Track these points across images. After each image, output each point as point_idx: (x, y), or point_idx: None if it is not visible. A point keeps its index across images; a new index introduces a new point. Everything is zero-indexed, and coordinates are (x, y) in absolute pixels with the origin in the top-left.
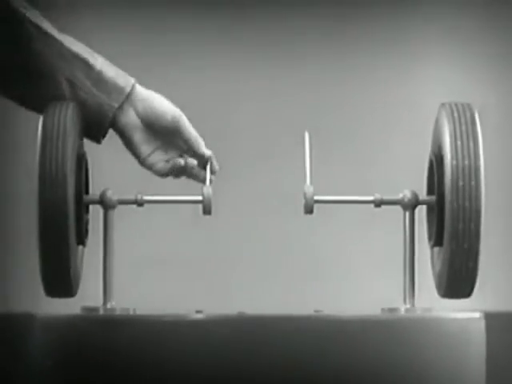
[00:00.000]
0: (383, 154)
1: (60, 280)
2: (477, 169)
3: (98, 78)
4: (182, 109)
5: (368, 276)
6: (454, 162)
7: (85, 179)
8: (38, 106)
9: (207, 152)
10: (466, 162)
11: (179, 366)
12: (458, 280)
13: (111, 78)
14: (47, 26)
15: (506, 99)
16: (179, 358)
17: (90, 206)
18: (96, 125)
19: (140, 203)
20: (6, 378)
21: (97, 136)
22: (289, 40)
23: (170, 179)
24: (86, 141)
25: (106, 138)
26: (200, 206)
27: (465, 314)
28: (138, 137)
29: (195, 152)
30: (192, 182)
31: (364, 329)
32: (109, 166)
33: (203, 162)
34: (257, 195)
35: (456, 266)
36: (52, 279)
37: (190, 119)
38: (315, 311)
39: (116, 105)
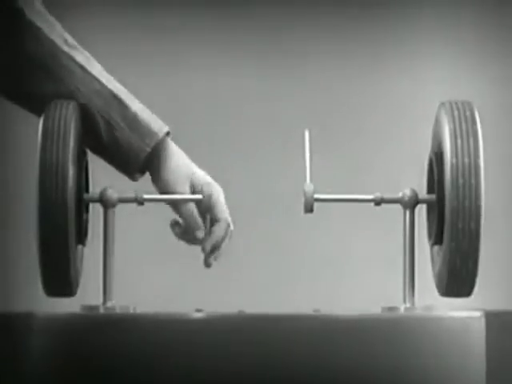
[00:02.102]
0: (383, 152)
1: (60, 280)
2: (477, 167)
3: (133, 120)
4: (182, 110)
5: (368, 275)
6: (454, 161)
7: (85, 178)
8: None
9: (199, 235)
10: (466, 161)
11: (179, 364)
12: (457, 279)
13: (146, 123)
14: (86, 61)
15: (506, 98)
16: (179, 357)
17: (90, 206)
18: (129, 164)
19: (140, 202)
20: (6, 378)
21: (131, 174)
22: (289, 40)
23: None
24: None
25: None
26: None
27: (465, 313)
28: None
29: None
30: None
31: (364, 328)
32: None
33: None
34: (257, 195)
35: (456, 264)
36: (52, 279)
37: (189, 120)
38: (314, 310)
39: (148, 149)
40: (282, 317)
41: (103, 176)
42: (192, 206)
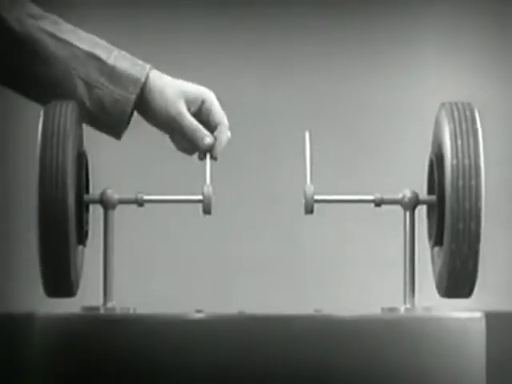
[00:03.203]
0: (383, 153)
1: (60, 280)
2: (477, 168)
3: (113, 73)
4: None
5: (368, 276)
6: (455, 162)
7: (85, 179)
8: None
9: (209, 141)
10: (467, 162)
11: (179, 365)
12: (458, 280)
13: (126, 71)
14: (60, 28)
15: (506, 99)
16: (179, 358)
17: (91, 206)
18: (116, 121)
19: (140, 203)
20: (6, 378)
21: (118, 132)
22: (289, 39)
23: (170, 178)
24: (85, 140)
25: (105, 138)
26: (200, 206)
27: (465, 313)
28: (158, 124)
29: (198, 146)
30: (192, 182)
31: (364, 328)
32: (109, 165)
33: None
34: (257, 195)
35: (456, 265)
36: (52, 279)
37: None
38: (315, 311)
39: (133, 97)
40: (283, 317)
41: (103, 176)
42: (192, 119)
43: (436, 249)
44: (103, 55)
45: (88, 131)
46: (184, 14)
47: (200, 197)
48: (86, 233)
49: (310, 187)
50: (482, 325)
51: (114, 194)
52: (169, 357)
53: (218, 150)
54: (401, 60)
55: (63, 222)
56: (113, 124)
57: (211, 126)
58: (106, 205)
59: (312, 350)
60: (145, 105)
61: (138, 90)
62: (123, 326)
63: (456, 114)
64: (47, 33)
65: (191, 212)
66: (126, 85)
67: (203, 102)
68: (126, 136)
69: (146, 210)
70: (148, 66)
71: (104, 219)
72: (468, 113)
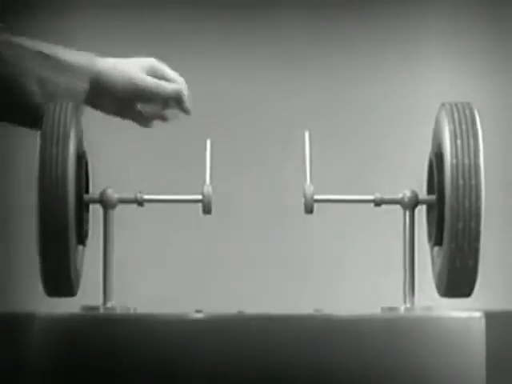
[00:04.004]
0: (383, 153)
1: (60, 280)
2: (477, 168)
3: (60, 64)
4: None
5: (368, 275)
6: (454, 161)
7: (85, 178)
8: (11, 118)
9: (171, 88)
10: (466, 161)
11: (179, 365)
12: (457, 279)
13: (71, 60)
14: (7, 36)
15: (506, 99)
16: (179, 358)
17: (91, 206)
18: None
19: (140, 202)
20: (6, 378)
21: None
22: (289, 39)
23: (170, 178)
24: (85, 140)
25: (106, 138)
26: (200, 206)
27: (465, 313)
28: (110, 110)
29: (163, 100)
30: (192, 182)
31: (364, 328)
32: (109, 165)
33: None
34: (257, 195)
35: (456, 265)
36: (52, 279)
37: (189, 120)
38: (315, 310)
39: (84, 85)
40: (282, 317)
41: (103, 176)
42: (150, 77)
43: (436, 248)
44: (46, 50)
45: (88, 131)
46: (183, 14)
47: (200, 196)
48: (86, 233)
49: (309, 187)
50: (482, 324)
51: (113, 194)
52: (169, 356)
53: (185, 100)
54: (401, 60)
55: (63, 221)
56: None
57: None
58: (106, 204)
59: (312, 349)
60: (99, 87)
61: (87, 77)
62: (123, 326)
63: (456, 114)
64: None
65: (191, 212)
66: (75, 73)
67: (153, 68)
68: (126, 136)
69: (146, 210)
70: (92, 54)
71: (104, 219)
72: (468, 113)
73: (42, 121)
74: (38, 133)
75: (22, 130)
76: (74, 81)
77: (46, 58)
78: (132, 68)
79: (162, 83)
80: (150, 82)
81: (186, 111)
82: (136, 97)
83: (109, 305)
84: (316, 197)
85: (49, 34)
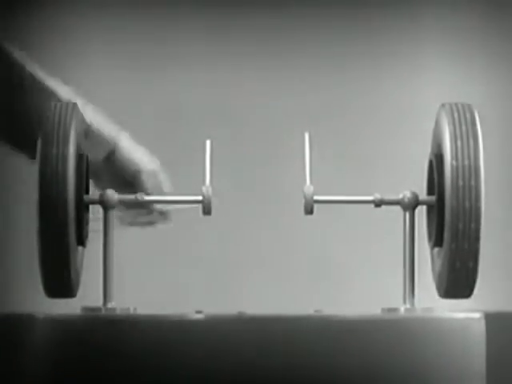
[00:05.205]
0: (383, 154)
1: (60, 280)
2: (477, 169)
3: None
4: (181, 110)
5: (368, 276)
6: (454, 162)
7: (85, 179)
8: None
9: (160, 208)
10: (466, 162)
11: (179, 365)
12: (458, 280)
13: (98, 131)
14: (40, 73)
15: (506, 99)
16: (179, 358)
17: (91, 207)
18: None
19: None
20: (6, 378)
21: None
22: (289, 40)
23: (169, 178)
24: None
25: None
26: (200, 206)
27: (465, 314)
28: (106, 185)
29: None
30: (192, 182)
31: (363, 329)
32: None
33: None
34: (257, 195)
35: (456, 266)
36: (52, 280)
37: (188, 120)
38: (315, 311)
39: (100, 158)
40: (283, 318)
41: None
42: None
43: (436, 249)
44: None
45: None
46: (183, 13)
47: (200, 197)
48: (86, 233)
49: (309, 188)
50: (482, 325)
51: (113, 194)
52: (168, 357)
53: (168, 218)
54: (401, 61)
55: (63, 223)
56: None
57: None
58: (106, 205)
59: (312, 350)
60: (109, 160)
61: (105, 153)
62: (123, 327)
63: (456, 115)
64: (32, 77)
65: (191, 212)
66: (97, 145)
67: (154, 175)
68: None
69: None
70: (118, 132)
71: (104, 219)
72: (468, 114)
73: None
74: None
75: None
76: (95, 151)
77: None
78: (140, 161)
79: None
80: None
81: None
82: (129, 190)
83: (109, 306)
84: (316, 197)
85: (47, 33)
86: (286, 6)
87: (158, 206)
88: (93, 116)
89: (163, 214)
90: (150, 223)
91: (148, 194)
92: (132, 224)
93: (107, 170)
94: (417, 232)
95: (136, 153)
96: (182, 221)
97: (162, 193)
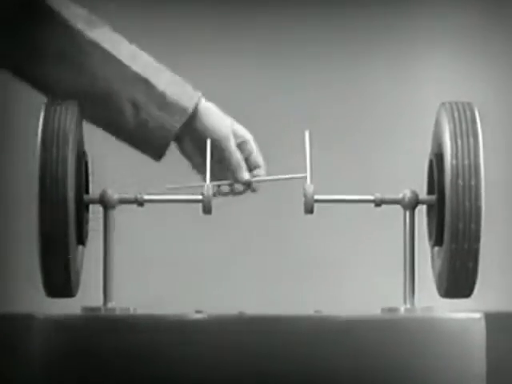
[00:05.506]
0: (384, 153)
1: (60, 280)
2: (477, 168)
3: (161, 100)
4: None
5: (368, 276)
6: (454, 162)
7: (85, 179)
8: (102, 125)
9: (245, 177)
10: (466, 162)
11: (179, 365)
12: (458, 280)
13: (174, 100)
14: (108, 41)
15: (506, 99)
16: (179, 358)
17: (91, 206)
18: (157, 144)
19: (140, 203)
20: (6, 378)
21: (157, 154)
22: (289, 39)
23: (170, 178)
24: (85, 140)
25: (105, 138)
26: (200, 206)
27: (465, 314)
28: (195, 159)
29: (234, 177)
30: (192, 182)
31: (364, 329)
32: (109, 165)
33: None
34: (257, 195)
35: (456, 265)
36: (52, 279)
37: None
38: (315, 311)
39: (178, 125)
40: (283, 318)
41: (103, 176)
42: (235, 145)
43: (436, 249)
44: (154, 79)
45: (88, 131)
46: (183, 12)
47: (200, 197)
48: (86, 233)
49: (309, 187)
50: (482, 325)
51: (113, 194)
52: (168, 357)
53: (255, 188)
54: (401, 60)
55: (63, 222)
56: (153, 147)
57: (247, 165)
58: (106, 205)
59: (312, 350)
60: (188, 131)
61: (184, 120)
62: (123, 327)
63: (456, 113)
64: (98, 47)
65: (191, 212)
66: (174, 113)
67: (246, 141)
68: None
69: (145, 209)
70: (198, 95)
71: (104, 219)
72: (468, 113)
73: (142, 149)
74: (38, 133)
75: (22, 130)
76: (169, 120)
77: (149, 86)
78: (227, 125)
79: (243, 164)
80: (234, 152)
81: (253, 191)
82: (217, 158)
83: (109, 306)
84: (316, 197)
85: None
86: (285, 7)
87: (245, 181)
88: (167, 84)
89: (249, 185)
90: (236, 193)
91: (233, 162)
92: (219, 194)
93: (189, 137)
94: (417, 231)
95: (220, 119)
96: (182, 221)
97: (257, 161)
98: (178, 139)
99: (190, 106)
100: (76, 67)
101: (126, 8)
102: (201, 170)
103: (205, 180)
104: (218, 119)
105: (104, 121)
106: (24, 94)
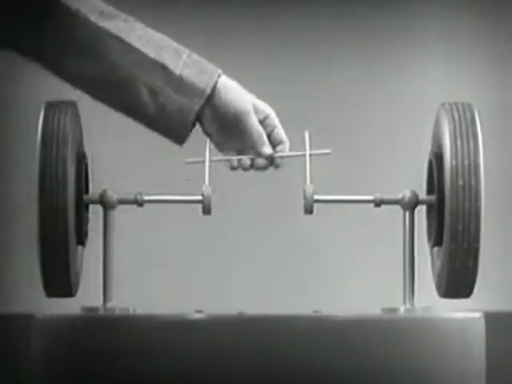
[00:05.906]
0: (384, 153)
1: (60, 280)
2: (476, 168)
3: (178, 84)
4: None
5: (368, 276)
6: (454, 162)
7: (84, 179)
8: (123, 111)
9: (267, 151)
10: (466, 162)
11: (179, 365)
12: (457, 280)
13: (192, 82)
14: (128, 31)
15: (506, 99)
16: (179, 358)
17: (90, 206)
18: (177, 127)
19: (140, 203)
20: (6, 378)
21: (180, 138)
22: (290, 39)
23: (170, 178)
24: (85, 140)
25: (106, 138)
26: (200, 206)
27: (465, 313)
28: (216, 137)
29: (256, 151)
30: (192, 182)
31: (364, 329)
32: (109, 165)
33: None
34: (257, 195)
35: (456, 266)
36: (52, 279)
37: None
38: (314, 311)
39: (196, 107)
40: (282, 318)
41: (103, 176)
42: (256, 120)
43: (435, 249)
44: (170, 63)
45: (88, 131)
46: (183, 12)
47: (200, 197)
48: (86, 233)
49: (309, 187)
50: (482, 325)
51: (113, 194)
52: (168, 357)
53: (278, 163)
54: (401, 60)
55: (63, 222)
56: (174, 131)
57: (269, 141)
58: (106, 205)
59: (312, 350)
60: (209, 111)
61: (202, 101)
62: (123, 327)
63: (456, 114)
64: (114, 37)
65: (191, 212)
66: (192, 95)
67: (267, 116)
68: (126, 136)
69: (145, 209)
70: (216, 74)
71: (104, 219)
72: (468, 113)
73: (162, 133)
74: (38, 134)
75: (22, 130)
76: (188, 103)
77: (166, 71)
78: (247, 101)
79: (264, 137)
80: (256, 125)
81: (276, 167)
82: (231, 128)
83: (108, 305)
84: (316, 197)
85: None
86: (285, 7)
87: (267, 155)
88: (183, 67)
89: (272, 160)
90: (258, 168)
91: (255, 136)
92: (240, 167)
93: (210, 116)
94: (417, 232)
95: (240, 95)
96: (182, 221)
97: (280, 136)
98: (199, 119)
99: (207, 87)
100: (94, 57)
101: (125, 9)
102: (221, 147)
103: (227, 155)
104: (238, 95)
105: (122, 106)
106: (24, 94)
